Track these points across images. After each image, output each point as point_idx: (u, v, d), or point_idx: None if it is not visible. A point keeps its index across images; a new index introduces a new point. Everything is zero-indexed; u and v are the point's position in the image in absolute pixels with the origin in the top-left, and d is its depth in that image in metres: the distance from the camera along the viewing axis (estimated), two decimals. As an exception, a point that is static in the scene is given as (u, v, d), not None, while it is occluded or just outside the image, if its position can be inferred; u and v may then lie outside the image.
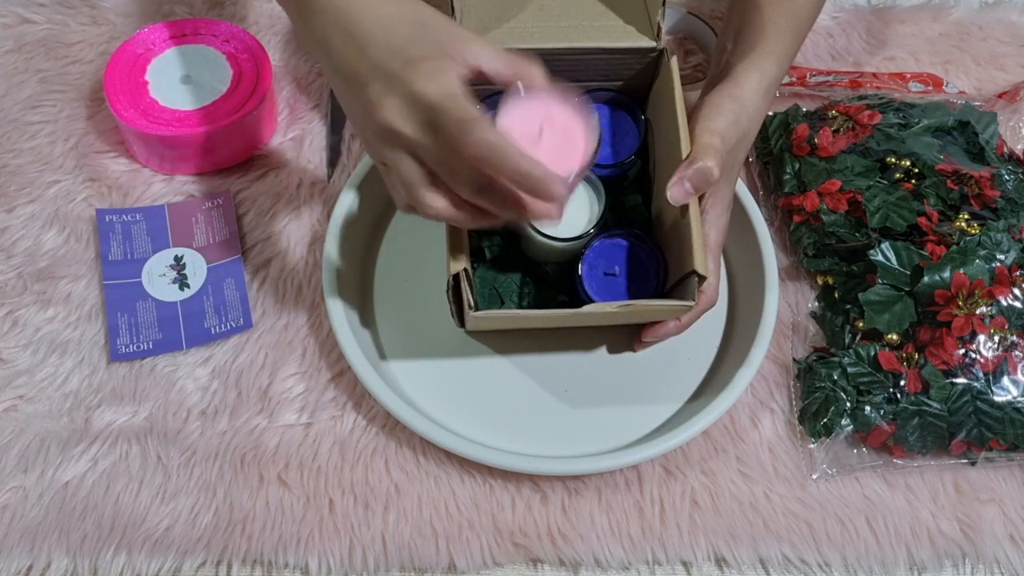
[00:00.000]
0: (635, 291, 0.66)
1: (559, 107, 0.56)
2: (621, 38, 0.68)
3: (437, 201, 0.55)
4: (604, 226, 0.67)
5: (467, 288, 0.61)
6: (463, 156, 0.52)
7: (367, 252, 0.77)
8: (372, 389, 0.67)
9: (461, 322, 0.66)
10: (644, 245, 0.67)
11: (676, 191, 0.61)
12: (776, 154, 0.80)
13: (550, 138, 0.56)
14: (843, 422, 0.68)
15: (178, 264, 0.76)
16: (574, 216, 0.67)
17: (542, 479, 0.68)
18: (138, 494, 0.67)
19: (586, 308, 0.62)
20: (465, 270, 0.60)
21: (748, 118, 0.64)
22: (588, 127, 0.56)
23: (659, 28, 0.67)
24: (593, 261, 0.67)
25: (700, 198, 0.64)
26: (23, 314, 0.74)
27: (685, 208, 0.62)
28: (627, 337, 0.73)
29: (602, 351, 0.73)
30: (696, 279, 0.61)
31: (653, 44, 0.67)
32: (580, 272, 0.66)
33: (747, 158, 0.83)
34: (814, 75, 0.87)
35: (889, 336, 0.69)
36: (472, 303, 0.61)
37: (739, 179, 0.77)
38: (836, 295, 0.74)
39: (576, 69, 0.69)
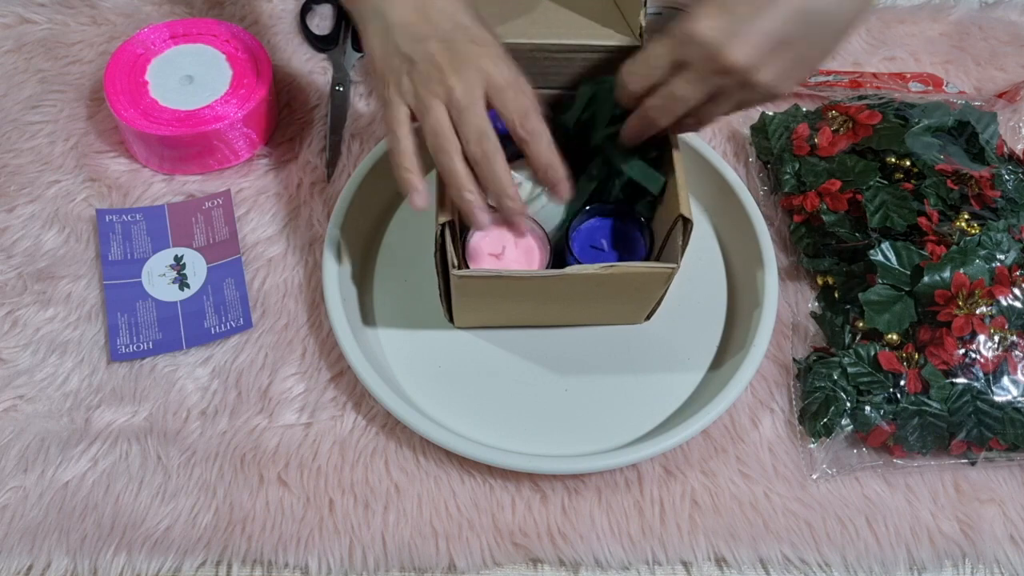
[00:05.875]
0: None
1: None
2: (604, 37, 0.69)
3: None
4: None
5: (451, 245, 0.61)
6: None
7: (367, 252, 0.77)
8: (372, 389, 0.67)
9: (451, 316, 0.67)
10: (631, 219, 0.69)
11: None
12: (776, 154, 0.80)
13: (512, 253, 0.66)
14: (843, 422, 0.68)
15: (178, 264, 0.76)
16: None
17: (542, 479, 0.68)
18: (138, 494, 0.67)
19: (569, 269, 0.63)
20: (451, 222, 0.60)
21: None
22: (544, 246, 0.66)
23: (641, 29, 0.68)
24: (582, 238, 0.69)
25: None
26: (23, 314, 0.74)
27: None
28: (627, 337, 0.73)
29: (602, 350, 0.73)
30: (682, 234, 0.62)
31: (637, 44, 0.68)
32: (571, 248, 0.68)
33: (747, 158, 0.83)
34: (814, 75, 0.87)
35: (889, 336, 0.69)
36: (455, 262, 0.62)
37: (740, 179, 0.77)
38: (836, 295, 0.74)
39: (560, 72, 0.70)
